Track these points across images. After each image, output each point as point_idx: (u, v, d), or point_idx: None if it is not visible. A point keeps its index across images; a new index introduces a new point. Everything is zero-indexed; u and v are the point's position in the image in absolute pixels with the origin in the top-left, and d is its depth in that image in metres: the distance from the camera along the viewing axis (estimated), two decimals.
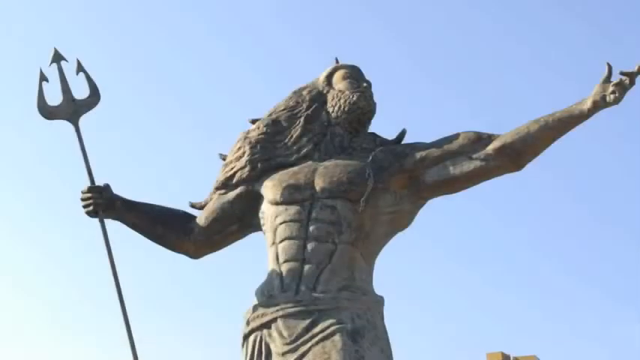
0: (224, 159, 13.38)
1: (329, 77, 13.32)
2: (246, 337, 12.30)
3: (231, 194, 13.15)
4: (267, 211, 12.70)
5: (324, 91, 13.22)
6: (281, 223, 12.42)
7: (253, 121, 13.40)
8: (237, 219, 13.18)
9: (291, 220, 12.37)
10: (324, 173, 12.50)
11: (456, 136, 12.55)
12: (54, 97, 13.57)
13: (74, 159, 13.23)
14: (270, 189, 12.71)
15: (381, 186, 12.40)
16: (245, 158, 13.09)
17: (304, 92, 13.30)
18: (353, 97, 12.96)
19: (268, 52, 54.57)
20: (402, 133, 13.09)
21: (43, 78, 13.60)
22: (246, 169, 13.05)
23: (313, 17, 56.09)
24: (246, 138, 13.22)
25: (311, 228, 12.27)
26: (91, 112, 13.55)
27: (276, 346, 11.97)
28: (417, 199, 12.63)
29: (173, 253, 13.54)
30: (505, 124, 12.57)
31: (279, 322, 12.02)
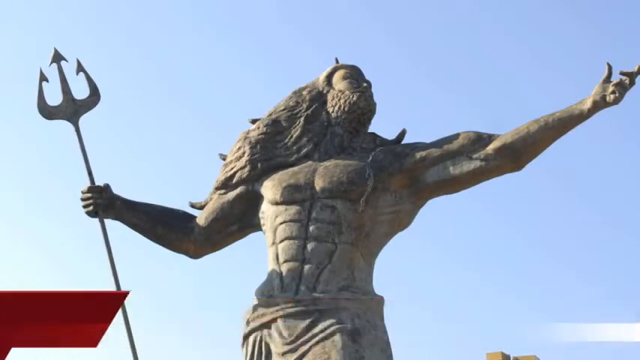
0: (224, 159, 13.38)
1: (329, 77, 13.31)
2: (246, 337, 12.31)
3: (231, 194, 13.15)
4: (267, 211, 12.70)
5: (324, 91, 13.21)
6: (281, 223, 12.42)
7: (253, 121, 13.39)
8: (237, 219, 13.18)
9: (291, 220, 12.37)
10: (324, 173, 12.50)
11: (456, 136, 12.55)
12: (54, 97, 13.58)
13: (74, 159, 13.27)
14: (270, 189, 12.71)
15: (381, 186, 12.41)
16: (245, 158, 13.08)
17: (304, 92, 13.29)
18: (353, 97, 12.96)
19: (268, 52, 54.62)
20: (402, 133, 13.09)
21: (43, 78, 13.59)
22: (246, 169, 13.05)
23: (313, 17, 56.13)
24: (246, 138, 13.22)
25: (311, 228, 12.27)
26: (91, 112, 13.56)
27: (276, 346, 11.98)
28: (417, 199, 12.63)
29: (173, 253, 13.55)
30: (505, 124, 12.57)
31: (279, 322, 12.02)
